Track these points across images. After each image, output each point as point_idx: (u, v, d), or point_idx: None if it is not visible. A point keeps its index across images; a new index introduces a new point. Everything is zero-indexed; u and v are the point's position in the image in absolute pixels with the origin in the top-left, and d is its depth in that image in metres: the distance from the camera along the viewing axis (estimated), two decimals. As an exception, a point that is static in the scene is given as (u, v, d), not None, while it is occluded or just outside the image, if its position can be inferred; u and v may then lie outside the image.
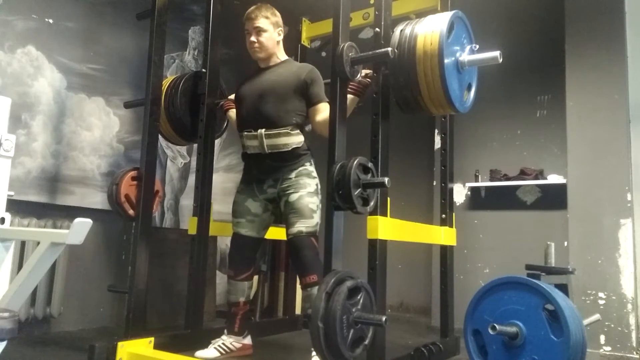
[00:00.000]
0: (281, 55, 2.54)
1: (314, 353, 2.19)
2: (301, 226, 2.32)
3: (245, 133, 2.45)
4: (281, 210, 2.44)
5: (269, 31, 2.45)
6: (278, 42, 2.51)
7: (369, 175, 1.90)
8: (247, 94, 2.50)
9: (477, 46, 2.20)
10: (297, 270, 2.37)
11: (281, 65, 2.50)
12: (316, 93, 2.39)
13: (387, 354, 2.13)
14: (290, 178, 2.40)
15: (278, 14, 2.51)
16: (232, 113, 2.71)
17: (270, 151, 2.38)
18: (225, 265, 4.03)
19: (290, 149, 2.38)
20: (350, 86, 2.23)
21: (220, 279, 3.91)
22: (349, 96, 2.25)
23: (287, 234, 2.37)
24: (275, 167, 2.41)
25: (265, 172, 2.44)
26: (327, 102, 2.27)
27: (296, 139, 2.39)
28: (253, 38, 2.44)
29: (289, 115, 2.39)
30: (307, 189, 2.38)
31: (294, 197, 2.37)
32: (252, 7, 2.48)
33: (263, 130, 2.37)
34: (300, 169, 2.41)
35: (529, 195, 3.51)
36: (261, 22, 2.43)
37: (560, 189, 3.22)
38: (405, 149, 4.08)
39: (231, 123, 2.77)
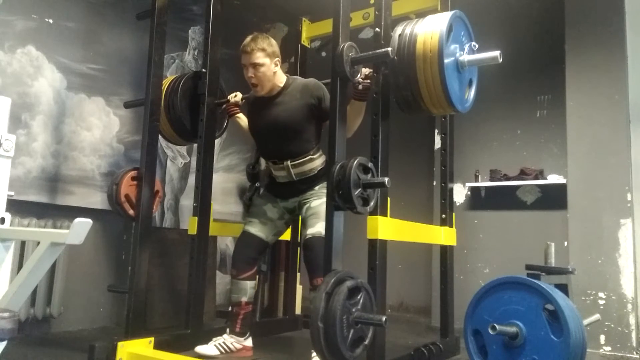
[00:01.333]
0: (280, 80, 2.50)
1: (314, 353, 2.19)
2: (321, 228, 2.31)
3: (272, 164, 2.53)
4: (302, 216, 2.49)
5: (265, 65, 2.41)
6: (275, 73, 2.47)
7: (369, 175, 1.90)
8: (262, 129, 2.53)
9: (477, 45, 2.20)
10: (309, 270, 2.37)
11: (285, 93, 2.48)
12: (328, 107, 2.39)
13: (387, 354, 2.13)
14: (314, 189, 2.47)
15: (274, 43, 2.47)
16: (241, 121, 2.74)
17: (298, 178, 2.47)
18: (226, 265, 4.04)
19: (316, 172, 2.47)
20: (355, 93, 2.24)
21: (220, 279, 3.91)
22: (358, 102, 2.27)
23: (306, 234, 2.38)
24: (303, 188, 2.49)
25: (292, 193, 2.52)
26: None
27: (319, 161, 2.49)
28: (251, 73, 2.42)
29: (309, 143, 2.47)
30: None
31: (316, 202, 2.42)
32: (248, 39, 2.43)
33: (289, 161, 2.45)
34: (324, 183, 2.45)
35: (529, 195, 3.51)
36: (258, 57, 2.39)
37: (560, 189, 3.22)
38: (405, 149, 4.07)
39: (242, 130, 2.76)
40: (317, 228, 2.34)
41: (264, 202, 2.59)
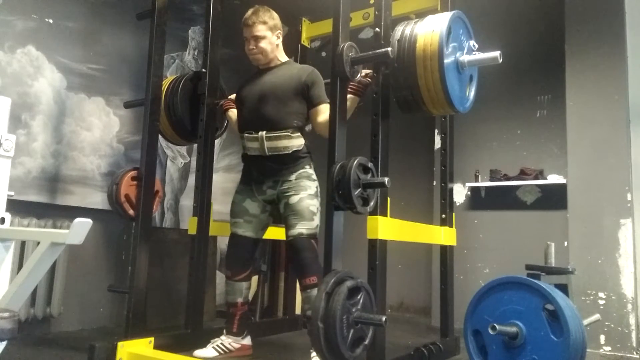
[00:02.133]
0: (281, 56, 2.53)
1: (314, 353, 2.19)
2: (302, 228, 2.32)
3: (246, 135, 2.45)
4: (280, 212, 2.45)
5: (267, 37, 2.43)
6: (277, 45, 2.48)
7: (369, 175, 1.90)
8: (247, 96, 2.50)
9: (477, 46, 2.20)
10: (296, 272, 2.38)
11: (281, 67, 2.50)
12: (317, 94, 2.38)
13: (387, 354, 2.13)
14: (290, 180, 2.40)
15: (276, 16, 2.49)
16: (232, 113, 2.70)
17: (270, 154, 2.39)
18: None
19: (290, 151, 2.38)
20: (350, 86, 2.23)
21: (220, 279, 3.90)
22: (350, 96, 2.26)
23: (287, 236, 2.37)
24: (275, 169, 2.41)
25: (265, 174, 2.44)
26: (329, 102, 2.26)
27: (297, 142, 2.39)
28: (252, 46, 2.43)
29: (290, 118, 2.39)
30: (307, 192, 2.38)
31: (294, 199, 2.37)
32: (250, 12, 2.45)
33: (264, 132, 2.38)
34: (301, 171, 2.41)
35: (529, 195, 3.51)
36: (259, 29, 2.41)
37: (560, 189, 3.22)
38: (405, 149, 4.08)
39: (231, 123, 2.76)
40: (298, 229, 2.32)
41: (243, 198, 2.53)
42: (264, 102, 2.41)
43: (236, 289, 2.51)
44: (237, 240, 2.51)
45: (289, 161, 2.40)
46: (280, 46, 2.51)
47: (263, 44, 2.43)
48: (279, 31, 2.48)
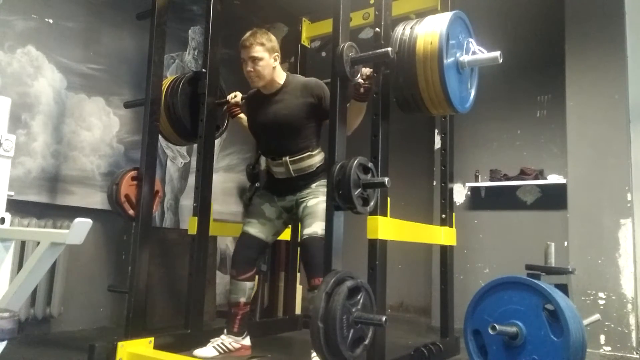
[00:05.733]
0: (280, 77, 2.51)
1: (314, 353, 2.19)
2: (317, 228, 2.33)
3: (271, 160, 2.53)
4: (298, 215, 2.49)
5: (264, 59, 2.42)
6: (274, 68, 2.48)
7: (369, 175, 1.90)
8: (260, 126, 2.54)
9: (477, 46, 2.20)
10: (306, 271, 2.38)
11: (285, 91, 2.49)
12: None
13: (387, 354, 2.13)
14: (311, 187, 2.47)
15: (273, 38, 2.48)
16: (242, 119, 2.74)
17: (296, 175, 2.47)
18: (226, 265, 4.04)
19: (314, 168, 2.47)
20: (355, 94, 2.24)
21: (220, 279, 3.91)
22: (358, 104, 2.27)
23: (302, 235, 2.40)
24: (301, 185, 2.49)
25: (291, 190, 2.52)
26: None
27: (318, 158, 2.49)
28: (250, 67, 2.43)
29: (308, 140, 2.47)
30: (326, 197, 2.40)
31: (313, 201, 2.42)
32: (247, 34, 2.44)
33: (288, 157, 2.45)
34: (321, 180, 2.47)
35: (529, 195, 3.51)
36: (256, 51, 2.40)
37: (560, 189, 3.22)
38: (405, 149, 4.07)
39: (242, 128, 2.78)
40: (314, 228, 2.34)
41: (262, 201, 2.59)
42: (281, 134, 2.45)
43: (240, 289, 2.51)
44: (246, 240, 2.53)
45: (313, 175, 2.48)
46: (278, 67, 2.50)
47: (260, 65, 2.42)
48: (276, 54, 2.47)
